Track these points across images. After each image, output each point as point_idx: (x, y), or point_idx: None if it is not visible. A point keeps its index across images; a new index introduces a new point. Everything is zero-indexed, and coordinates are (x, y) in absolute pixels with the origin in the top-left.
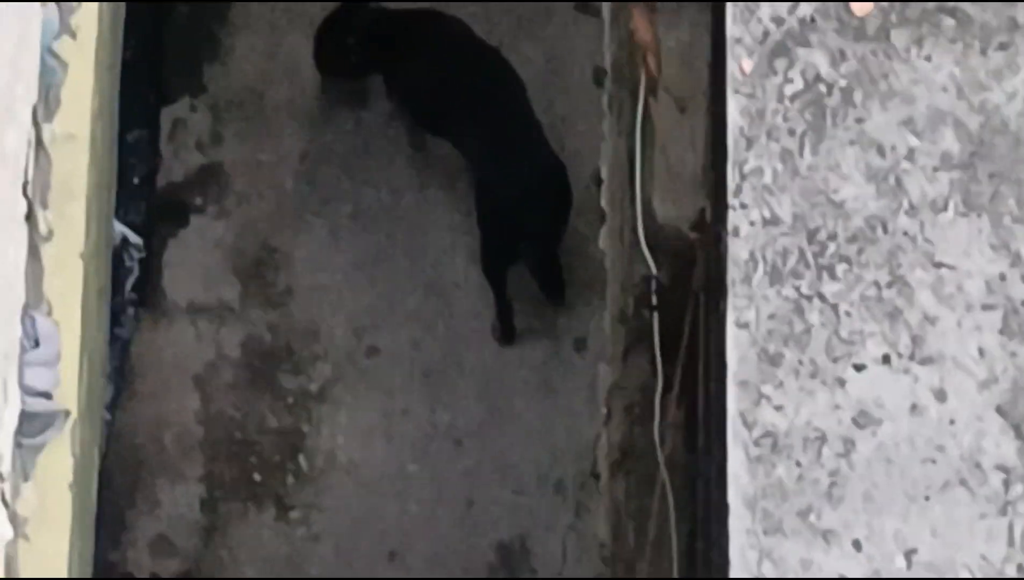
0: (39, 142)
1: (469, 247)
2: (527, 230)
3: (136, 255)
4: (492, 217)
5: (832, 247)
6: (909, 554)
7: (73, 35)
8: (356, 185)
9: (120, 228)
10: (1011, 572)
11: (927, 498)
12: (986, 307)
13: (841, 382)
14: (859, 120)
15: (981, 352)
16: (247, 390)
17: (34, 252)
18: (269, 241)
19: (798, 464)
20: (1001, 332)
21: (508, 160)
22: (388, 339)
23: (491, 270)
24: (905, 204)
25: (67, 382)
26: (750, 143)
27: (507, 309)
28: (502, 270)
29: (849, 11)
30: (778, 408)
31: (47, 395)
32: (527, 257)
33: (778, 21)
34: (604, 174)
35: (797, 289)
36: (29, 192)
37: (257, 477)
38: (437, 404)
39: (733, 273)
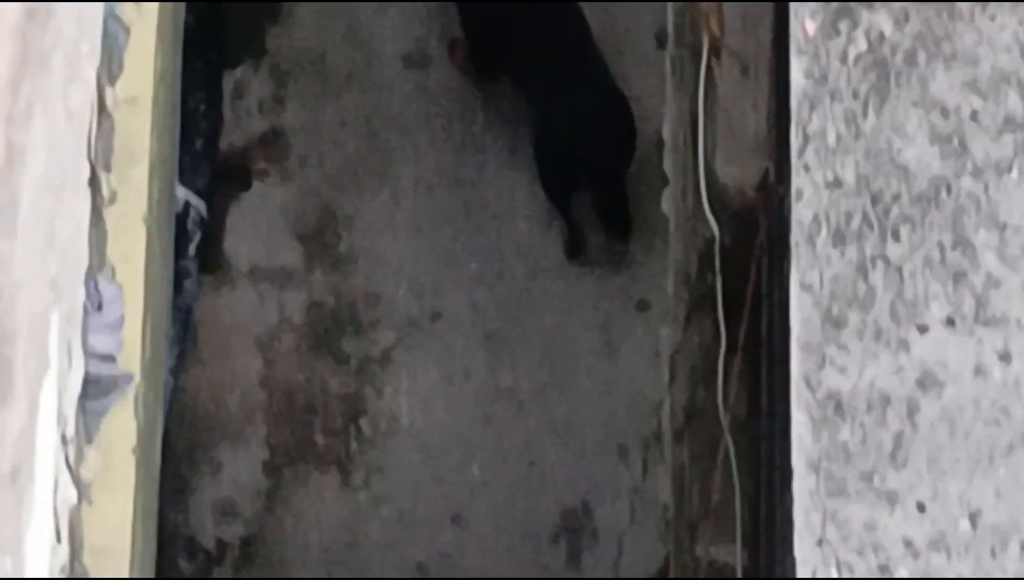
0: (102, 106)
1: (530, 211)
2: (588, 160)
3: (199, 219)
4: (553, 147)
5: (896, 209)
6: (974, 516)
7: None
8: (418, 149)
9: (183, 192)
10: None
11: (991, 460)
12: None
13: (905, 344)
14: (922, 81)
15: None
16: (309, 354)
17: (97, 216)
18: (331, 205)
19: (862, 426)
20: None
21: (571, 90)
22: (450, 303)
23: (553, 197)
24: (969, 165)
25: (130, 346)
26: (813, 105)
27: (574, 227)
28: (564, 198)
29: None
30: (842, 370)
31: (111, 359)
32: (589, 189)
33: None
34: (666, 136)
35: (861, 251)
36: (92, 156)
37: (320, 441)
38: (499, 367)
39: (797, 235)
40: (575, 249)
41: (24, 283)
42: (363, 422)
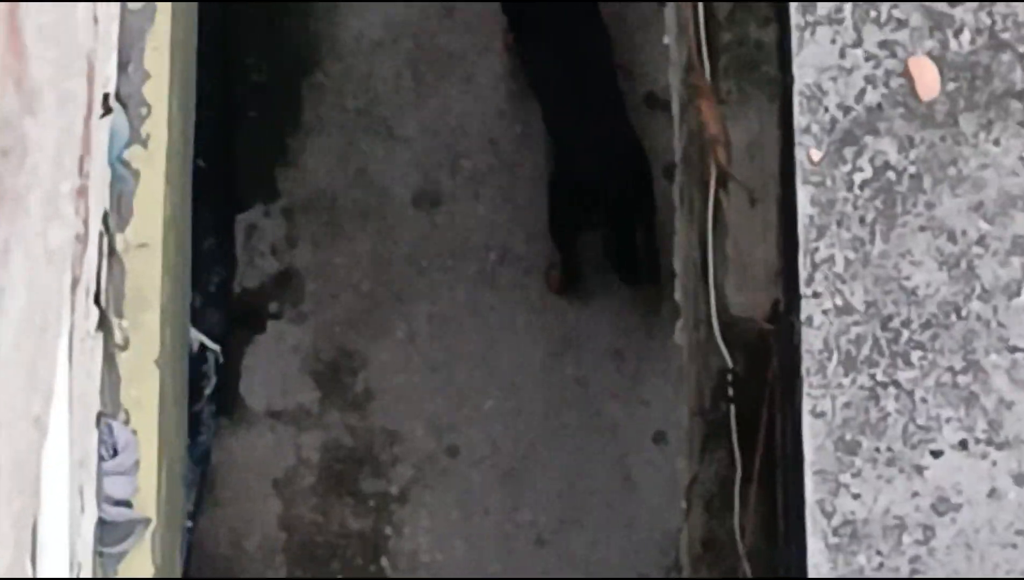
0: (112, 251)
1: (546, 346)
2: (596, 198)
3: (214, 362)
4: (564, 182)
5: (906, 334)
6: None
7: (144, 144)
8: (432, 286)
9: (197, 335)
10: None
11: None
12: None
13: (919, 469)
14: (929, 206)
15: None
16: (328, 494)
17: (110, 361)
18: (346, 344)
19: (878, 553)
20: None
21: (591, 130)
22: (467, 439)
23: (557, 234)
24: (978, 289)
25: (146, 490)
26: (821, 232)
27: (573, 265)
28: (569, 236)
29: (916, 97)
30: (856, 496)
31: (127, 503)
32: (598, 229)
33: (845, 109)
34: (677, 267)
35: (872, 377)
36: (102, 301)
37: (341, 579)
38: (518, 503)
39: (807, 362)
40: (569, 287)
41: (5, 423)
42: (384, 561)
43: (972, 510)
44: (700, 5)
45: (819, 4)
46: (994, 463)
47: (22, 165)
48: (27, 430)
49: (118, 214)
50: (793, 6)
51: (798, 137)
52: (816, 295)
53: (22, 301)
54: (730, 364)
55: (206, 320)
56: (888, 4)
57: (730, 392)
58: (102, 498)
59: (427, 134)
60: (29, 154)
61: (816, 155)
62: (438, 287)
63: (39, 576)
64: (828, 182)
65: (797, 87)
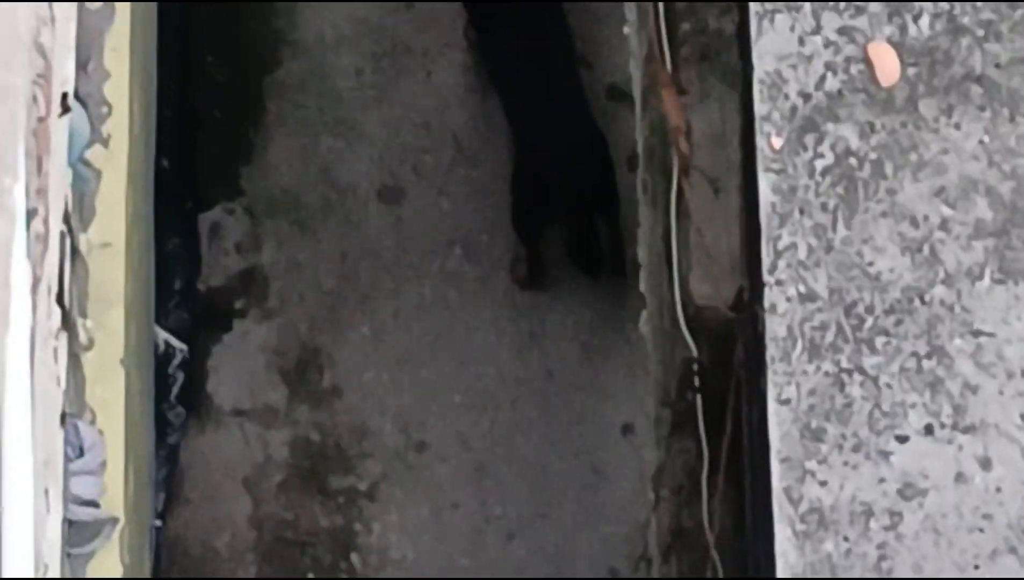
0: (75, 251)
1: (512, 340)
2: (557, 192)
3: (180, 361)
4: (525, 175)
5: (870, 320)
6: None
7: (105, 144)
8: (397, 283)
9: (163, 335)
10: None
11: (976, 567)
12: None
13: (885, 455)
14: (891, 192)
15: None
16: (297, 491)
17: (75, 361)
18: (312, 342)
19: (845, 539)
20: None
21: (552, 122)
22: (435, 434)
23: (521, 228)
24: (941, 274)
25: (113, 490)
26: (783, 220)
27: (537, 259)
28: (532, 230)
29: (876, 83)
30: (823, 483)
31: (94, 503)
32: (559, 221)
33: (805, 97)
34: (641, 258)
35: (837, 363)
36: (66, 301)
37: (311, 577)
38: (487, 497)
39: (772, 350)
40: (533, 281)
41: None
42: (354, 558)
43: (939, 495)
44: None
45: None
46: (960, 447)
47: None
48: None
49: (80, 214)
50: None
51: (759, 125)
52: (779, 283)
53: None
54: (695, 353)
55: (172, 319)
56: None
57: (696, 382)
58: (69, 498)
59: (389, 130)
60: None
61: (777, 143)
62: (403, 283)
63: (5, 577)
64: (789, 169)
65: (757, 75)
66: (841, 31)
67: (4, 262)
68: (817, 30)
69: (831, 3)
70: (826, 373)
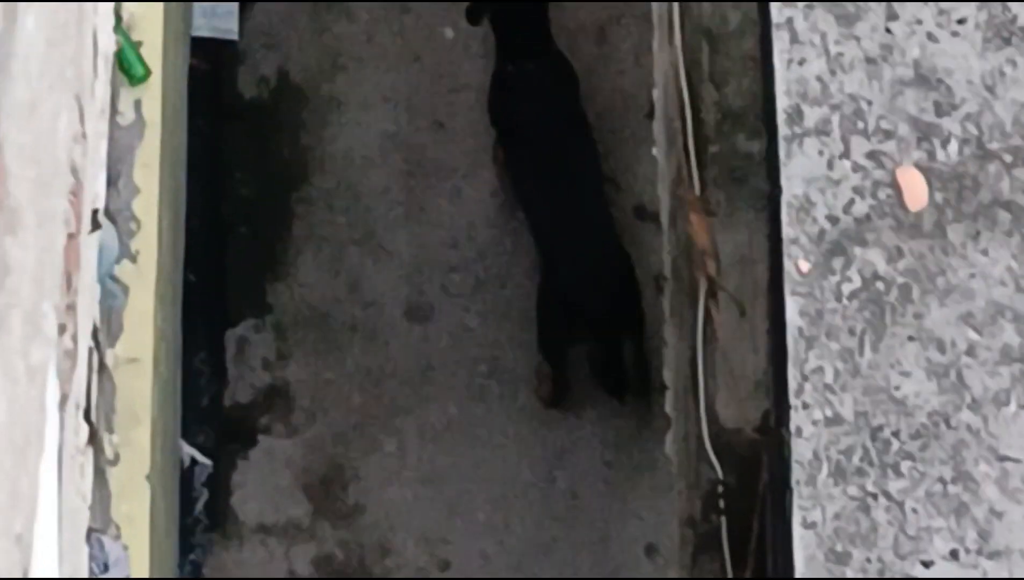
0: (102, 366)
1: (536, 459)
2: (582, 313)
3: (205, 476)
4: (550, 296)
5: (896, 444)
6: None
7: (133, 260)
8: (422, 400)
9: (188, 450)
10: None
11: None
12: None
13: None
14: (918, 316)
15: None
16: None
17: (100, 476)
18: (337, 459)
19: None
20: None
21: (577, 243)
22: (458, 553)
23: (546, 348)
24: (967, 399)
25: None
26: (810, 343)
27: (562, 378)
28: (558, 352)
29: (904, 207)
30: None
31: None
32: (584, 341)
33: (833, 220)
34: (667, 379)
35: (862, 487)
36: (93, 417)
37: None
38: None
39: (797, 473)
40: (558, 401)
41: None
42: None
43: None
44: (688, 118)
45: (806, 115)
46: (985, 573)
47: (2, 285)
48: (9, 549)
49: (108, 330)
50: (781, 118)
51: (786, 248)
52: (806, 406)
53: (2, 418)
54: (721, 475)
55: (197, 434)
56: (876, 115)
57: (721, 504)
58: None
59: (417, 248)
60: (10, 274)
61: (804, 266)
62: (429, 401)
63: None
64: (817, 293)
65: (785, 198)
66: (870, 155)
67: (40, 386)
68: (846, 154)
69: (860, 128)
70: (851, 497)
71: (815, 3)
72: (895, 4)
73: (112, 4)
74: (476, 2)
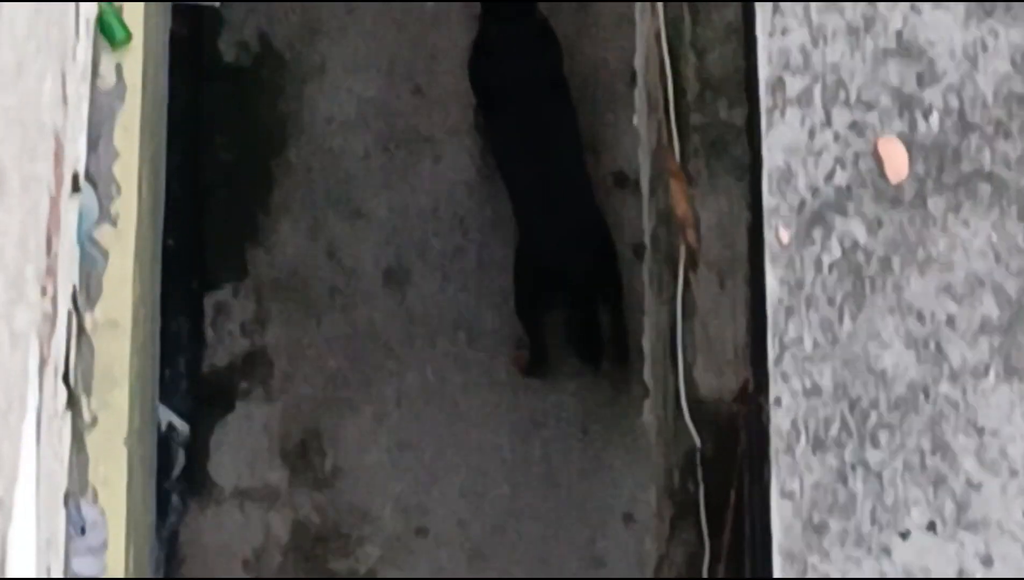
0: (81, 329)
1: (514, 426)
2: (559, 279)
3: (182, 440)
4: (526, 261)
5: (874, 415)
6: None
7: (113, 223)
8: (400, 366)
9: (166, 414)
10: None
11: None
12: None
13: (887, 550)
14: (898, 287)
15: None
16: (297, 573)
17: (78, 439)
18: (315, 424)
19: None
20: None
21: (553, 208)
22: (435, 519)
23: (523, 314)
24: (946, 370)
25: (114, 569)
26: (790, 313)
27: (539, 345)
28: (534, 317)
29: (885, 178)
30: (824, 577)
31: None
32: (561, 309)
33: (814, 190)
34: (646, 348)
35: (840, 458)
36: (71, 380)
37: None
38: None
39: (776, 443)
40: (535, 369)
41: None
42: None
43: None
44: (670, 86)
45: (788, 85)
46: (962, 544)
47: None
48: None
49: (87, 293)
50: (762, 88)
51: (767, 218)
52: (785, 376)
53: None
54: (699, 444)
55: (175, 398)
56: (857, 86)
57: (699, 472)
58: (70, 577)
59: (396, 214)
60: None
61: (785, 236)
62: (406, 366)
63: None
64: (796, 263)
65: (766, 168)
66: (851, 126)
67: (23, 351)
68: (827, 125)
69: (842, 98)
70: (829, 467)
71: None
72: None
73: None
74: None
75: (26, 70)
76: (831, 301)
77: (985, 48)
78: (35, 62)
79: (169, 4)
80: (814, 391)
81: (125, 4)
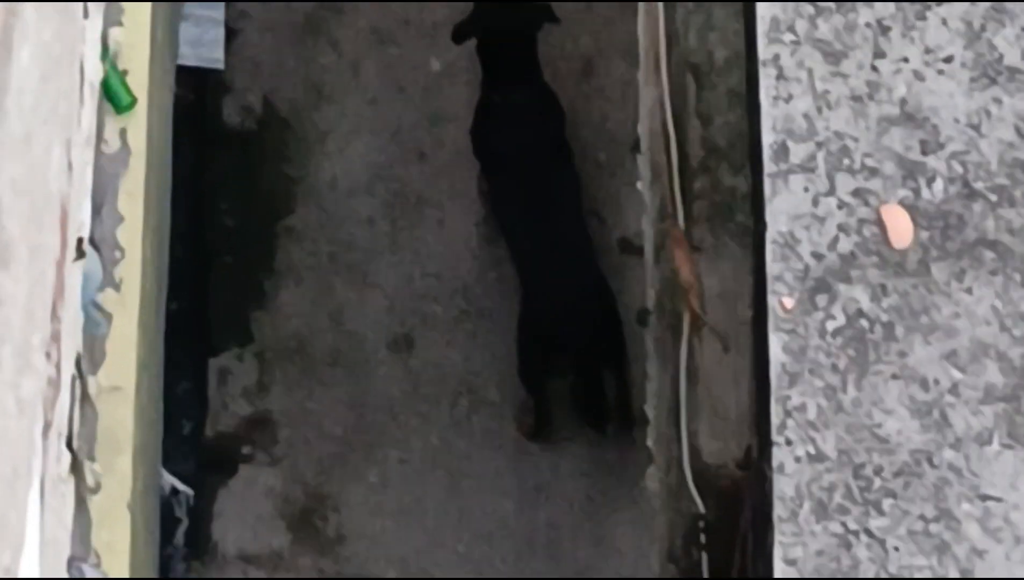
0: (84, 395)
1: (517, 491)
2: (562, 344)
3: (185, 505)
4: (531, 327)
5: (878, 482)
6: None
7: (117, 288)
8: (404, 431)
9: (169, 478)
10: None
11: None
12: None
13: None
14: (902, 354)
15: None
16: None
17: (81, 504)
18: (318, 489)
19: None
20: None
21: (557, 273)
22: None
23: (527, 379)
24: (950, 437)
25: None
26: (793, 380)
27: (543, 411)
28: (538, 382)
29: (889, 245)
30: None
31: None
32: (565, 374)
33: (818, 257)
34: (649, 414)
35: (844, 524)
36: (74, 445)
37: None
38: None
39: (779, 510)
40: (539, 434)
41: None
42: None
43: None
44: (674, 152)
45: (792, 152)
46: None
47: None
48: None
49: (90, 358)
50: (766, 154)
51: (770, 284)
52: (788, 442)
53: None
54: (702, 510)
55: (178, 463)
56: (861, 152)
57: (702, 539)
58: None
59: (400, 279)
60: (2, 307)
61: (788, 302)
62: (410, 432)
63: None
64: (800, 330)
65: (770, 234)
66: (855, 193)
67: (30, 419)
68: (831, 191)
69: (845, 165)
70: (833, 534)
71: (802, 40)
72: (882, 42)
73: (99, 32)
74: (463, 25)
75: (34, 140)
76: (835, 368)
77: (989, 115)
78: (42, 133)
79: (174, 68)
80: (817, 458)
81: (131, 68)
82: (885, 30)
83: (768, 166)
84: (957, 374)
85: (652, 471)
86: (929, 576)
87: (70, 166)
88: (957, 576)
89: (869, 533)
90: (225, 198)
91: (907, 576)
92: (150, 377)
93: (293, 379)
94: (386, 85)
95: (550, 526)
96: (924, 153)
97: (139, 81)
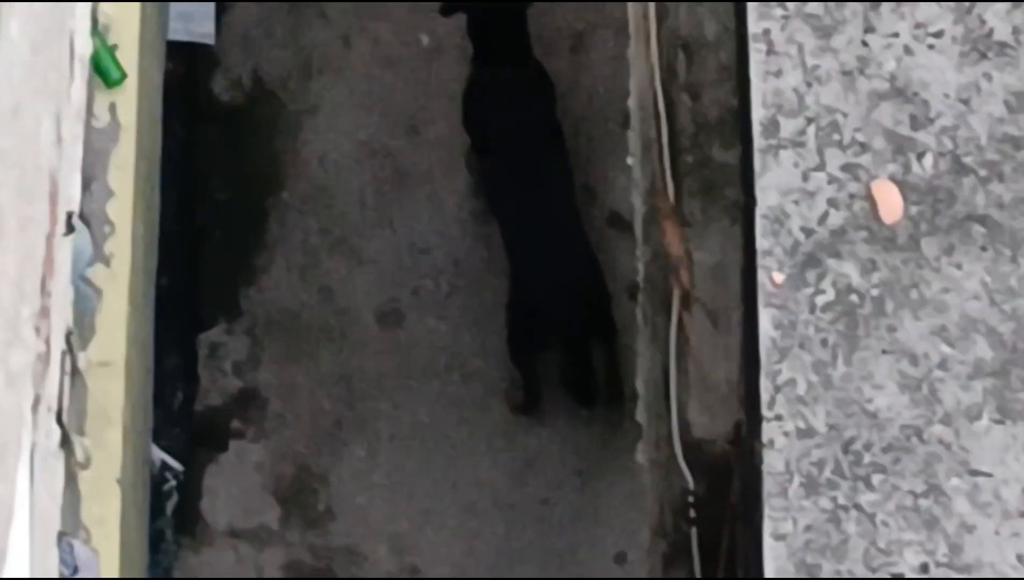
0: (74, 369)
1: (507, 466)
2: (551, 320)
3: (175, 480)
4: (519, 303)
5: (867, 457)
6: None
7: (107, 262)
8: (394, 406)
9: (159, 453)
10: None
11: None
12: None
13: None
14: (891, 329)
15: (1020, 559)
16: None
17: (71, 479)
18: (308, 463)
19: None
20: None
21: (546, 251)
22: (428, 559)
23: (516, 355)
24: (939, 413)
25: None
26: (783, 354)
27: (532, 386)
28: (527, 357)
29: (879, 220)
30: None
31: None
32: (554, 350)
33: (808, 232)
34: (639, 388)
35: (833, 499)
36: (64, 419)
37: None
38: None
39: (769, 485)
40: (529, 409)
41: None
42: None
43: None
44: (664, 128)
45: (782, 127)
46: None
47: None
48: None
49: (80, 332)
50: (756, 129)
51: (760, 260)
52: (778, 417)
53: None
54: (692, 485)
55: (168, 438)
56: (851, 128)
57: (692, 513)
58: None
59: (391, 254)
60: None
61: (778, 278)
62: (400, 407)
63: None
64: (790, 305)
65: (760, 210)
66: (845, 168)
67: (19, 392)
68: (821, 166)
69: (835, 140)
70: (822, 509)
71: (792, 15)
72: (872, 17)
73: (89, 7)
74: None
75: (23, 112)
76: (824, 343)
77: (979, 90)
78: (32, 105)
79: (164, 43)
80: (807, 433)
81: (121, 42)
82: (875, 5)
83: (758, 141)
84: (947, 349)
85: (642, 446)
86: (918, 551)
87: (60, 140)
88: (946, 550)
89: (859, 508)
90: (215, 173)
91: (896, 551)
92: (140, 352)
93: (283, 354)
94: (376, 60)
95: (540, 501)
96: (914, 128)
97: (129, 56)
